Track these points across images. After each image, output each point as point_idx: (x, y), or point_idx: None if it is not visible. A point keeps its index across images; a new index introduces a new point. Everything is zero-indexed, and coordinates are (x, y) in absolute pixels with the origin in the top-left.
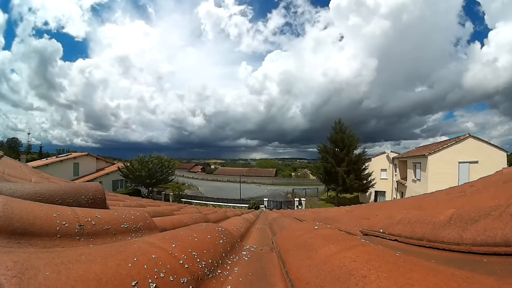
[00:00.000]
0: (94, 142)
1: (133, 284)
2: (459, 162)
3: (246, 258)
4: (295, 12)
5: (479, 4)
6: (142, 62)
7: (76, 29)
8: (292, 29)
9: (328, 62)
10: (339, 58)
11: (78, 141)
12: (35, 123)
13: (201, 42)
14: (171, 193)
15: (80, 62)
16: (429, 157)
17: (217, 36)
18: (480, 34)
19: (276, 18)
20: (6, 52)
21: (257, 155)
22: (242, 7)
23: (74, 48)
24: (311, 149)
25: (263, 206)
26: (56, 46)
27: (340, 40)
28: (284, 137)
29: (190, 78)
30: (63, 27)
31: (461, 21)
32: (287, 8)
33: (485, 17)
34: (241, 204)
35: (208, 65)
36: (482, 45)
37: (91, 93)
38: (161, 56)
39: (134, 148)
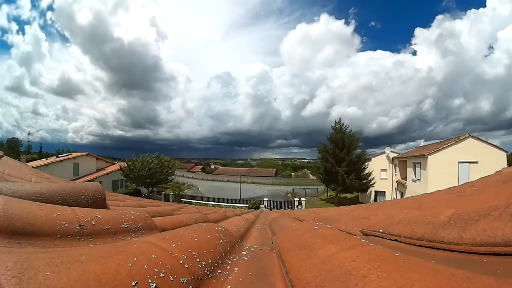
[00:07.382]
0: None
1: (133, 284)
2: (459, 162)
3: (246, 258)
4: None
5: None
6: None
7: None
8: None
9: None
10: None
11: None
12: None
13: None
14: (171, 193)
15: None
16: (429, 157)
17: None
18: None
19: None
20: None
21: (265, 155)
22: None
23: None
24: None
25: (263, 206)
26: None
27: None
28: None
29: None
30: None
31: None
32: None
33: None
34: (241, 204)
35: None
36: None
37: None
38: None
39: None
